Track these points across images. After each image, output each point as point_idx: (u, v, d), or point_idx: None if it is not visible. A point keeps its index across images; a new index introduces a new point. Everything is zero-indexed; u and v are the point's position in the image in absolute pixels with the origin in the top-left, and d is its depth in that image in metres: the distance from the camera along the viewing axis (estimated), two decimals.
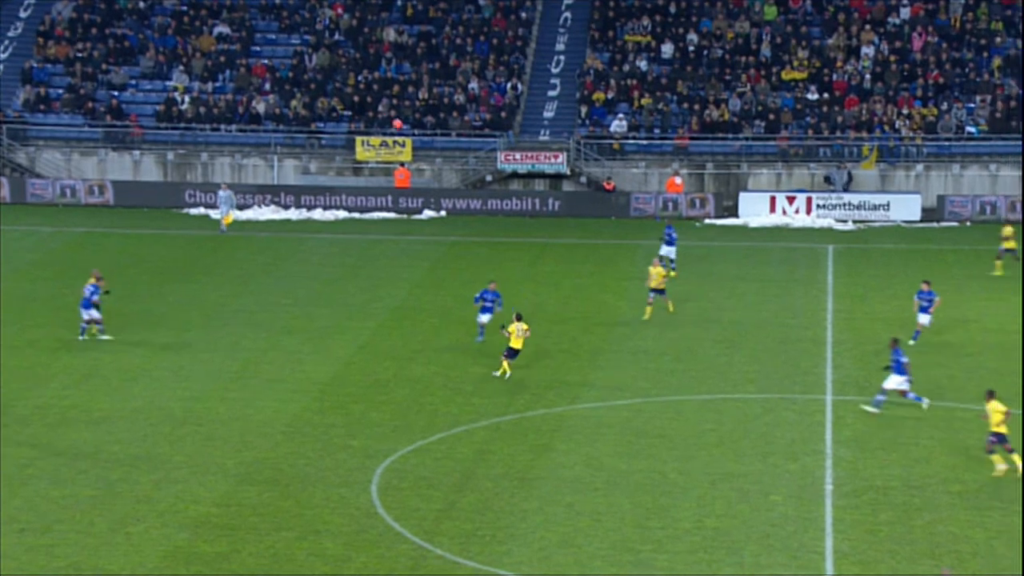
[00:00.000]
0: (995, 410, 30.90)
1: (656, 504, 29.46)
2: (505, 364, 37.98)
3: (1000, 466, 30.65)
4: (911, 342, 39.66)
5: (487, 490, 30.31)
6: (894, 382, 34.65)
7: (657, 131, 67.42)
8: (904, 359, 34.80)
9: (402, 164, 66.65)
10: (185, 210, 65.16)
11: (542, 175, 66.57)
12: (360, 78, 70.55)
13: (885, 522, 28.29)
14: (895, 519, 28.42)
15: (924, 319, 40.86)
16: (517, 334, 37.68)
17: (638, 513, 28.99)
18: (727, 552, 26.95)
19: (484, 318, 41.14)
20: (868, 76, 67.94)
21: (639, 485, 30.58)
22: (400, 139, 67.21)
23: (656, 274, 44.37)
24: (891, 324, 43.75)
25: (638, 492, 30.15)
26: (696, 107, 67.75)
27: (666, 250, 50.57)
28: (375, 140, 67.47)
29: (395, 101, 69.36)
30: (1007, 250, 50.93)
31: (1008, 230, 51.32)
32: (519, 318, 37.81)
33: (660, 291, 44.40)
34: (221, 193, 60.60)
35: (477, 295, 41.63)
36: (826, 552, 26.92)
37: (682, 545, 27.37)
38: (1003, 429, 30.78)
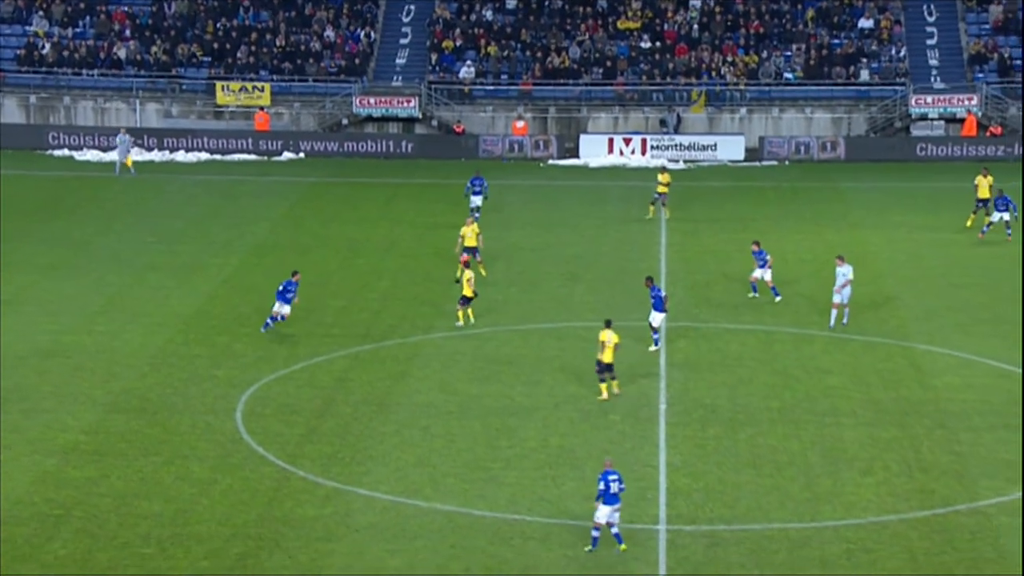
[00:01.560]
0: (609, 340, 30.31)
1: (505, 425, 29.70)
2: (460, 312, 36.13)
3: (604, 395, 30.60)
4: (751, 295, 38.89)
5: (347, 415, 30.24)
6: (657, 319, 33.94)
7: (503, 77, 67.33)
8: (663, 294, 34.36)
9: (261, 108, 65.57)
10: (49, 152, 63.22)
11: (395, 119, 66.08)
12: (219, 26, 69.08)
13: (712, 437, 28.94)
14: (721, 434, 29.10)
15: (759, 273, 39.32)
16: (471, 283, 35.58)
17: (488, 434, 29.20)
18: (570, 468, 27.33)
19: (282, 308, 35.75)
20: (696, 26, 68.64)
21: (489, 408, 30.79)
22: (259, 84, 66.09)
23: (471, 232, 40.63)
24: (719, 256, 44.57)
25: (488, 415, 30.36)
26: (539, 55, 67.78)
27: (476, 201, 47.75)
28: (235, 85, 66.19)
29: (253, 48, 68.09)
30: (660, 194, 49.28)
31: (664, 176, 49.53)
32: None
33: (474, 250, 40.36)
34: (120, 137, 59.10)
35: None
36: (660, 465, 27.47)
37: (529, 463, 27.67)
38: (609, 358, 30.19)
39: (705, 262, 43.92)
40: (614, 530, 23.60)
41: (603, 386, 30.87)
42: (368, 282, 41.79)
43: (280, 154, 63.87)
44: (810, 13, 68.44)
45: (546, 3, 70.26)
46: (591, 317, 37.37)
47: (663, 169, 51.46)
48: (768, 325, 36.72)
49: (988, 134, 62.32)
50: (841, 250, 44.88)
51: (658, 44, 68.05)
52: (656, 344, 34.29)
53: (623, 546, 23.52)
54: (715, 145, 63.12)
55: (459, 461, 27.73)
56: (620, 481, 23.64)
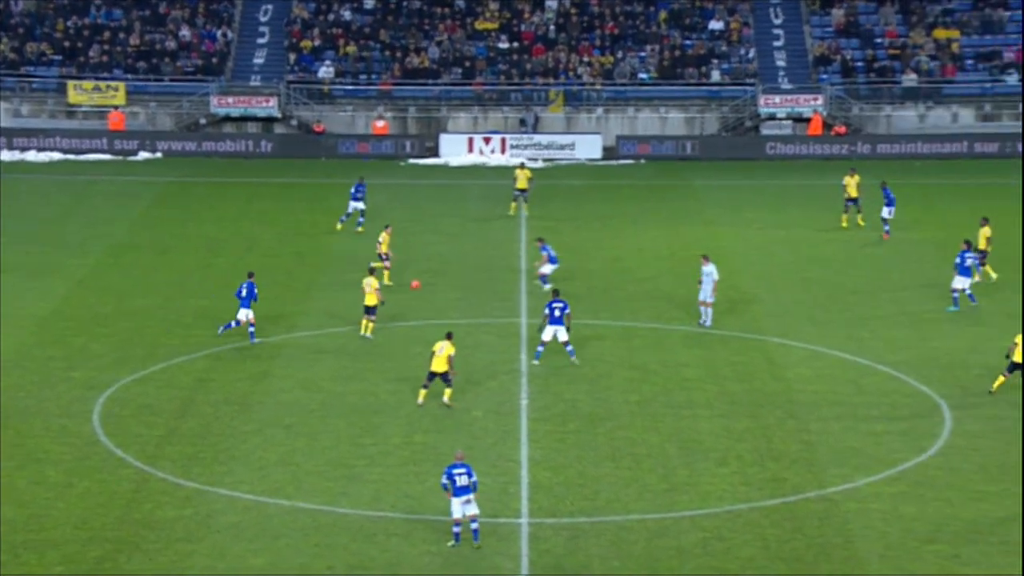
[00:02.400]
0: (440, 351, 29.79)
1: (369, 423, 29.56)
2: (364, 322, 35.10)
3: (421, 400, 30.19)
4: (543, 287, 38.18)
5: (207, 415, 29.78)
6: (549, 333, 33.15)
7: (363, 77, 66.96)
8: (568, 310, 33.08)
9: (116, 107, 64.18)
10: None
11: (254, 118, 65.26)
12: (69, 24, 67.41)
13: (573, 431, 29.20)
14: (581, 428, 29.37)
15: (547, 268, 38.88)
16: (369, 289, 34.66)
17: (352, 432, 29.03)
18: (433, 464, 27.30)
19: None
20: (552, 27, 69.15)
21: (353, 406, 30.61)
22: (113, 83, 64.66)
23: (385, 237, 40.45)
24: (578, 253, 44.96)
25: (352, 412, 30.18)
26: (398, 55, 67.57)
27: (354, 205, 47.16)
28: (88, 84, 64.67)
29: (107, 47, 66.60)
30: (520, 191, 49.59)
31: (519, 172, 49.57)
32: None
33: (386, 256, 40.19)
34: None
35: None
36: (521, 460, 27.62)
37: (393, 459, 27.59)
38: (444, 368, 29.81)
39: (564, 260, 44.24)
40: (474, 525, 23.65)
41: (423, 392, 30.22)
42: (229, 281, 41.12)
43: (136, 154, 62.61)
44: (663, 15, 69.47)
45: (404, 3, 70.11)
46: (454, 315, 37.40)
47: (521, 166, 51.73)
48: (626, 321, 37.16)
49: (833, 133, 63.99)
50: (697, 247, 45.71)
51: (515, 45, 68.38)
52: (573, 357, 33.17)
53: (477, 544, 23.56)
54: (573, 144, 63.67)
55: (322, 459, 27.52)
56: (469, 474, 23.58)
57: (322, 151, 63.42)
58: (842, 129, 64.03)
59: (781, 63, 67.68)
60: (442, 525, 24.40)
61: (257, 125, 65.41)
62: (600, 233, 47.82)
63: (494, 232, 48.59)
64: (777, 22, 69.43)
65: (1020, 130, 63.33)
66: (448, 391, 30.28)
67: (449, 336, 30.38)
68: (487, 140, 63.40)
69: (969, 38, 67.35)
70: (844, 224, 47.60)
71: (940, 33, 67.41)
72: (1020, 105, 63.69)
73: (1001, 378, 30.97)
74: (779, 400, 30.98)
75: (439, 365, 30.00)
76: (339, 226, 46.97)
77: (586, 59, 67.44)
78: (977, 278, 38.29)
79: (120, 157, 62.10)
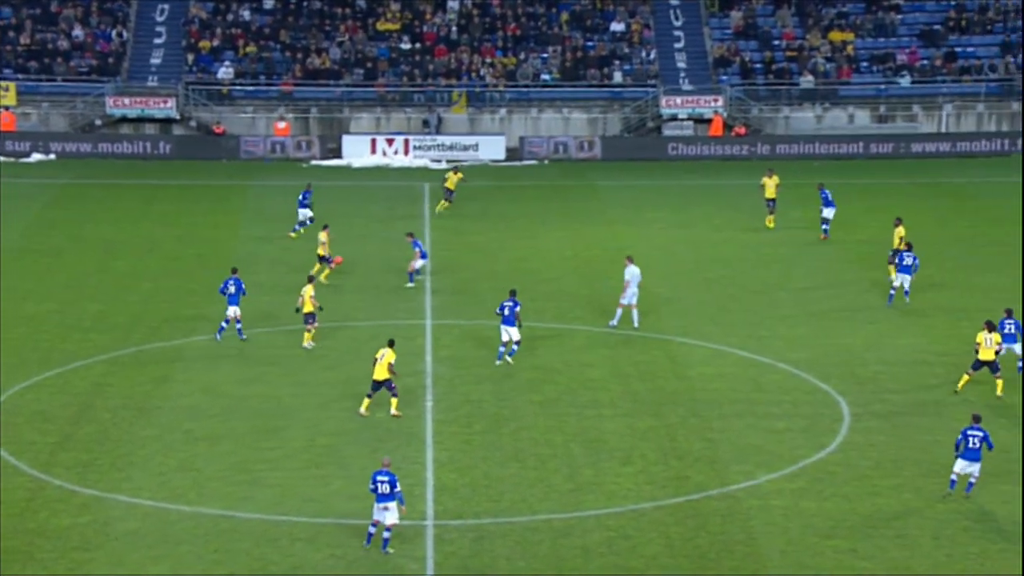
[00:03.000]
0: (382, 357, 29.50)
1: (270, 426, 29.25)
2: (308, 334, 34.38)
3: (364, 410, 29.74)
4: (408, 285, 37.75)
5: (105, 421, 29.24)
6: (504, 333, 33.20)
7: (262, 78, 66.32)
8: (516, 308, 33.19)
9: (6, 108, 62.80)
10: None
11: (152, 119, 64.29)
12: None
13: (478, 432, 29.16)
14: (487, 428, 29.34)
15: (417, 263, 39.23)
16: (310, 297, 33.90)
17: (254, 435, 28.70)
18: (337, 467, 27.10)
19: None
20: (455, 28, 69.10)
21: (255, 409, 30.27)
22: (3, 83, 63.30)
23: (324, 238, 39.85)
24: (482, 254, 44.97)
25: (254, 416, 29.83)
26: (299, 55, 67.03)
27: (303, 213, 46.52)
28: None
29: None
30: (448, 191, 49.89)
31: (449, 175, 49.81)
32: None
33: (327, 259, 40.03)
34: None
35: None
36: (427, 462, 27.51)
37: (295, 463, 27.32)
38: (386, 375, 29.37)
39: (469, 259, 44.25)
40: (386, 534, 23.50)
41: (367, 401, 29.97)
42: (128, 284, 40.54)
43: (29, 155, 61.35)
44: (564, 16, 69.76)
45: (304, 4, 69.57)
46: (359, 317, 37.17)
47: (455, 170, 50.69)
48: (531, 321, 37.23)
49: (733, 134, 64.77)
50: (600, 247, 45.98)
51: (418, 46, 68.21)
52: (509, 357, 33.13)
53: (384, 551, 23.41)
54: (476, 145, 63.67)
55: (224, 464, 27.15)
56: (391, 483, 23.40)
57: (223, 153, 62.68)
58: (742, 130, 64.82)
59: (682, 65, 68.36)
60: (347, 528, 24.21)
61: (155, 126, 64.45)
62: (504, 234, 47.88)
63: (398, 233, 48.37)
64: (677, 24, 70.09)
65: (914, 131, 64.68)
66: (394, 401, 29.80)
67: (391, 343, 30.06)
68: (390, 141, 63.15)
69: (863, 40, 68.61)
70: (770, 225, 47.67)
71: (836, 35, 68.57)
72: (979, 105, 64.95)
73: (966, 376, 31.29)
74: (682, 399, 31.23)
75: (381, 373, 29.57)
76: (293, 235, 46.48)
77: (489, 60, 67.50)
78: (893, 275, 38.68)
79: (12, 159, 60.80)
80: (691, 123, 65.46)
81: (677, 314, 37.91)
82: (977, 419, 25.89)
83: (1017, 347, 32.09)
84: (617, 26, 69.40)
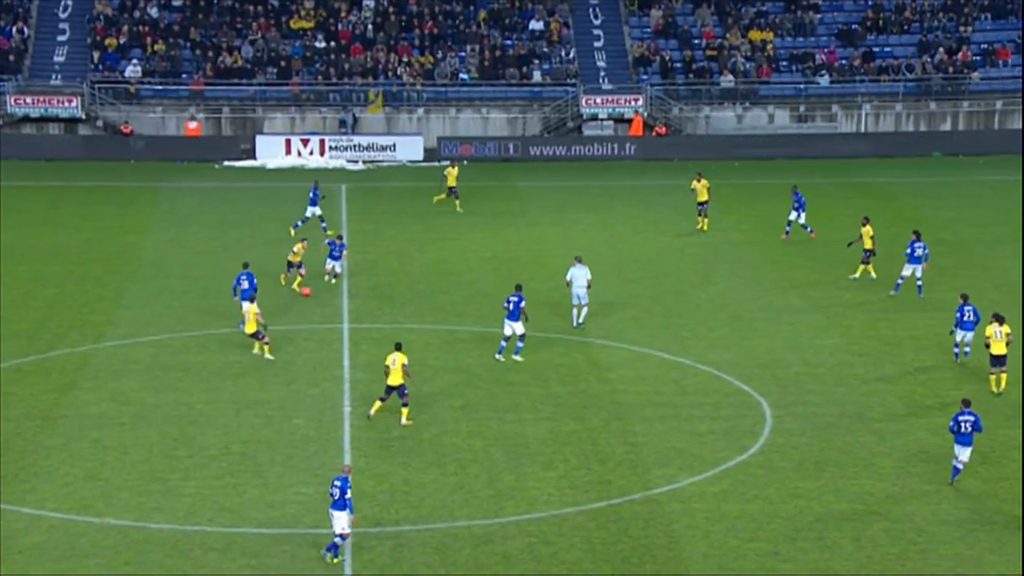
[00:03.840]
0: (394, 363, 29.33)
1: (183, 434, 28.96)
2: (262, 347, 34.00)
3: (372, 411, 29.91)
4: (331, 280, 37.91)
5: (7, 431, 28.76)
6: (515, 328, 33.63)
7: (171, 77, 65.63)
8: (522, 304, 33.72)
9: None
10: None
11: (56, 119, 63.33)
12: None
13: (397, 438, 29.10)
14: (406, 434, 29.29)
15: (330, 264, 39.44)
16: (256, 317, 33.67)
17: (165, 444, 28.40)
18: (252, 475, 26.91)
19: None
20: (370, 26, 68.92)
21: (166, 417, 29.95)
22: None
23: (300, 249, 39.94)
24: (401, 256, 44.88)
25: (165, 424, 29.52)
26: (210, 53, 66.42)
27: (311, 211, 46.65)
28: None
29: None
30: (451, 188, 50.22)
31: (449, 171, 49.85)
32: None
33: (298, 265, 39.81)
34: None
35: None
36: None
37: (209, 471, 27.08)
38: (401, 380, 29.40)
39: (387, 262, 44.15)
40: (337, 540, 23.43)
41: (378, 404, 29.87)
42: (31, 290, 39.91)
43: None
44: (482, 14, 69.86)
45: (215, 1, 68.96)
46: (275, 322, 36.91)
47: (452, 164, 50.18)
48: (451, 324, 37.22)
49: (654, 134, 65.28)
50: (520, 248, 46.11)
51: (333, 44, 67.90)
52: (516, 355, 33.74)
53: (332, 558, 23.38)
54: (394, 145, 63.53)
55: (134, 473, 26.84)
56: (341, 490, 23.29)
57: (131, 153, 61.92)
58: (662, 130, 65.34)
59: (602, 64, 68.76)
60: (262, 538, 24.04)
61: (59, 126, 63.50)
62: (423, 235, 47.82)
63: (314, 235, 48.09)
64: (596, 23, 70.50)
65: (834, 131, 65.61)
66: (405, 410, 29.63)
67: (398, 347, 29.98)
68: (305, 142, 62.79)
69: (783, 40, 69.50)
70: (703, 227, 47.66)
71: (755, 35, 69.40)
72: (897, 105, 65.88)
73: (992, 376, 31.45)
74: (604, 402, 31.41)
75: (396, 378, 29.39)
76: (293, 232, 46.12)
77: (405, 59, 67.39)
78: (917, 268, 39.08)
79: None
80: (611, 123, 65.86)
81: (597, 316, 38.10)
82: (967, 403, 26.42)
83: (970, 335, 32.84)
84: (536, 24, 69.63)
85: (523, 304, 33.79)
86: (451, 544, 24.13)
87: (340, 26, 68.70)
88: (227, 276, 41.48)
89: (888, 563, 23.60)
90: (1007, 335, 31.13)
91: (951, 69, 67.16)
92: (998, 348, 31.10)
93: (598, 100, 66.00)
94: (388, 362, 29.64)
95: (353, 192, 53.34)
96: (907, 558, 23.74)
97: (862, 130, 65.96)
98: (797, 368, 33.63)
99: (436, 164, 62.89)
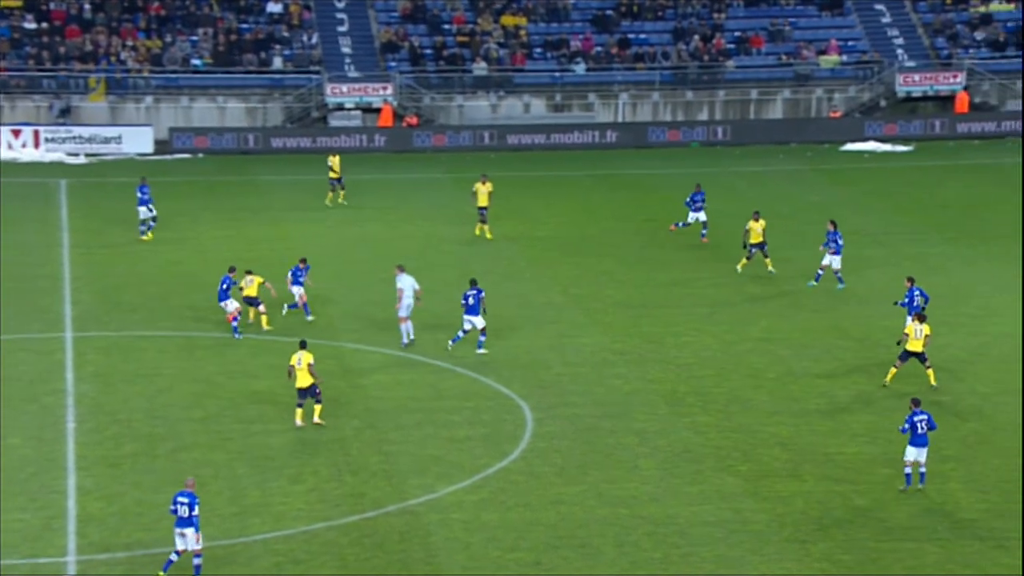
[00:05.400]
0: (299, 363, 29.69)
1: None
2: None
3: (299, 421, 30.14)
4: None
5: None
6: (476, 322, 34.53)
7: None
8: (481, 296, 34.59)
9: None
10: None
11: None
12: None
13: (129, 454, 28.35)
14: (139, 451, 28.57)
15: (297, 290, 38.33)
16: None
17: None
18: None
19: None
20: (88, 6, 66.90)
21: None
22: None
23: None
24: (129, 257, 43.74)
25: None
26: None
27: (143, 212, 45.43)
28: None
29: None
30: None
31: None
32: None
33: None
34: None
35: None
36: (68, 491, 26.56)
37: None
38: (310, 380, 29.76)
39: (114, 264, 42.97)
40: (196, 560, 23.04)
41: (299, 412, 29.62)
42: None
43: None
44: None
45: None
46: None
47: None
48: (189, 331, 36.47)
49: (405, 124, 65.45)
50: (264, 246, 45.53)
51: (45, 25, 65.64)
52: (480, 349, 34.71)
53: None
54: (120, 137, 61.88)
55: None
56: (189, 506, 23.04)
57: None
58: (414, 120, 65.59)
59: (347, 50, 68.52)
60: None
61: None
62: (155, 234, 46.68)
63: (30, 236, 46.43)
64: (340, 5, 70.25)
65: (591, 120, 67.08)
66: (318, 408, 29.72)
67: (303, 344, 29.88)
68: (16, 133, 60.51)
69: (536, 25, 70.66)
70: (478, 233, 46.88)
71: (508, 20, 70.36)
72: (654, 94, 67.44)
73: (893, 369, 32.54)
74: (356, 409, 31.30)
75: (304, 379, 29.42)
76: (144, 237, 44.58)
77: (130, 43, 65.69)
78: (828, 260, 40.19)
79: None
80: (359, 113, 65.73)
81: (349, 317, 37.96)
82: (917, 403, 27.13)
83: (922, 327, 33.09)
84: (274, 7, 68.90)
85: (483, 296, 34.62)
86: (190, 567, 23.63)
87: (52, 5, 66.46)
88: None
89: (652, 567, 24.23)
90: (926, 336, 32.40)
91: (706, 57, 69.50)
92: (914, 345, 32.42)
93: (344, 88, 65.78)
94: (293, 361, 29.64)
95: (74, 188, 51.68)
96: (670, 562, 24.43)
97: (619, 119, 67.64)
98: (558, 368, 34.23)
99: (167, 157, 61.54)
